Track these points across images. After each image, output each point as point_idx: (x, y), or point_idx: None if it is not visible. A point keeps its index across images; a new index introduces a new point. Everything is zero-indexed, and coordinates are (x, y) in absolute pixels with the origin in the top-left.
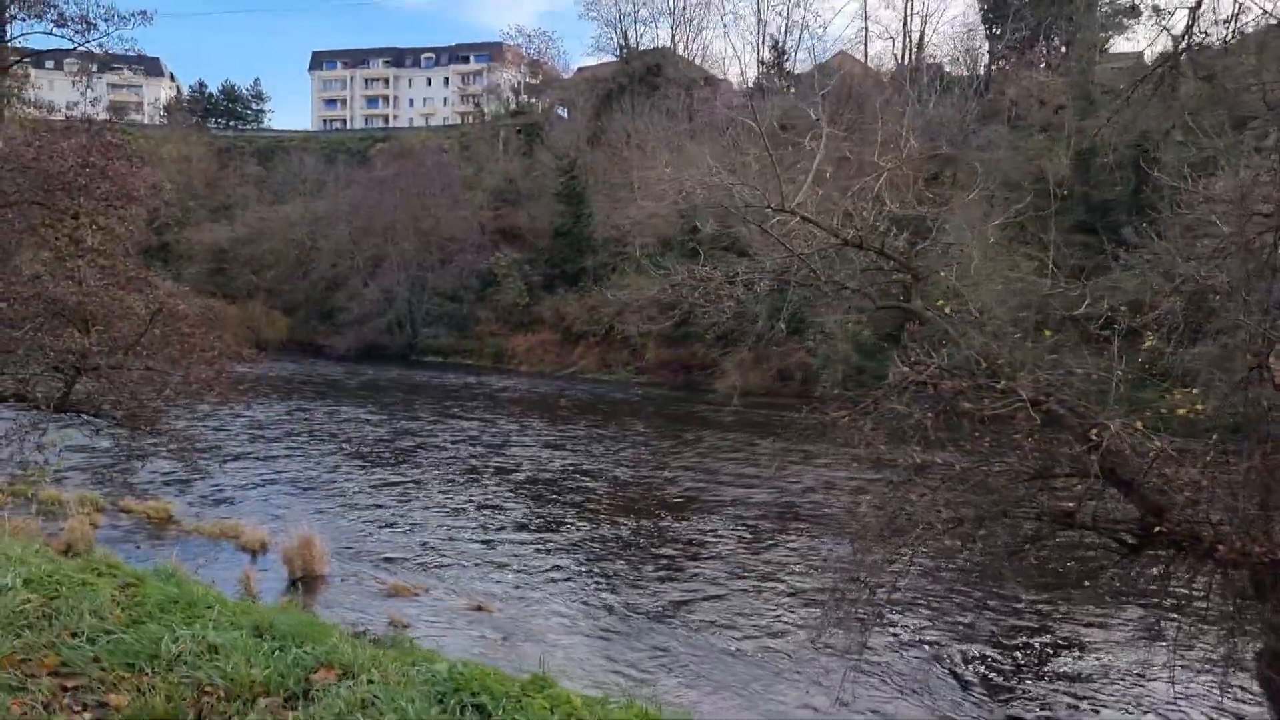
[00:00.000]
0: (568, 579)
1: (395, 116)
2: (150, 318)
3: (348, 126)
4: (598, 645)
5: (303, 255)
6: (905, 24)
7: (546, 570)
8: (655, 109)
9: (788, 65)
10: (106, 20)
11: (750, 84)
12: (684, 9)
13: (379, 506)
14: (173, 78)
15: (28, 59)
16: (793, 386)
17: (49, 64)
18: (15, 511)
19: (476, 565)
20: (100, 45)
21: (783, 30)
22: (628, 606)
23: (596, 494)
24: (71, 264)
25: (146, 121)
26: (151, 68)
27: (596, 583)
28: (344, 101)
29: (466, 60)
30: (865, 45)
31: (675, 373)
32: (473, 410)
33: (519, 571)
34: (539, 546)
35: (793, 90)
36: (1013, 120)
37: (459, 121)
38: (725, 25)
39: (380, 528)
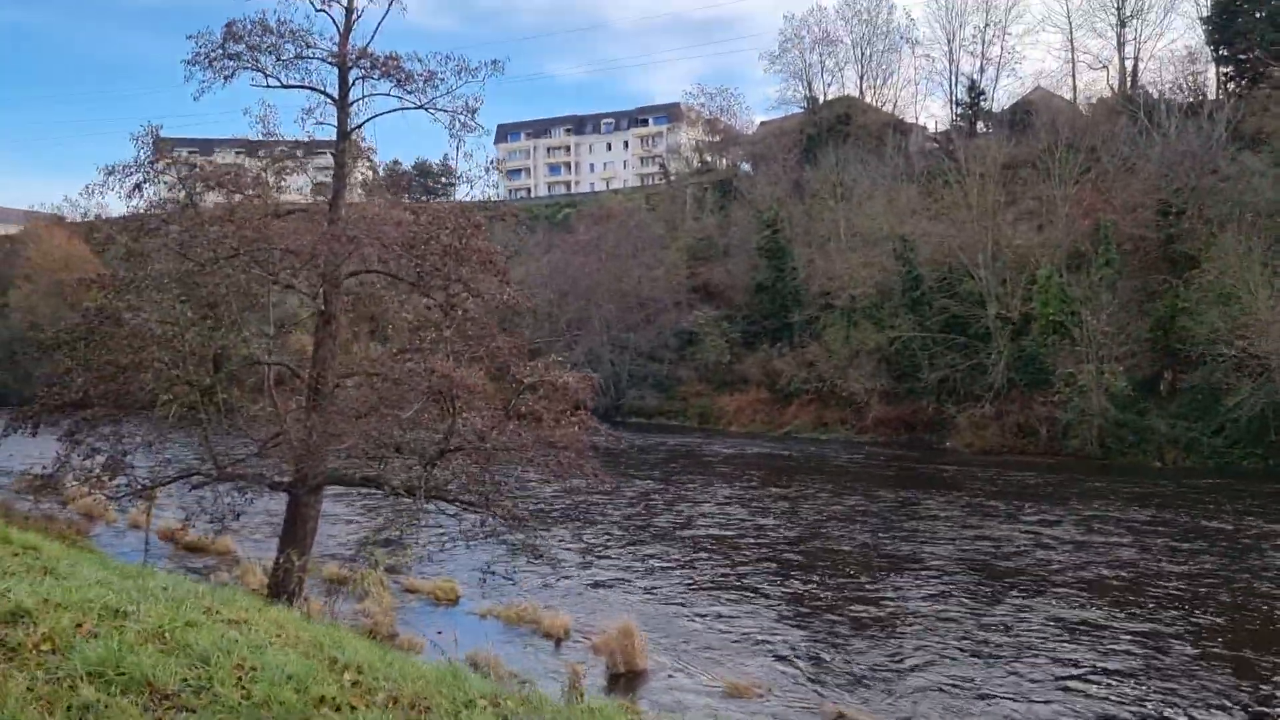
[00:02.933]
0: (929, 675)
1: (577, 182)
2: (519, 392)
3: (531, 195)
4: None
5: (505, 320)
6: (1120, 51)
7: (889, 661)
8: (848, 158)
9: (985, 104)
10: (457, 73)
11: (949, 125)
12: (870, 55)
13: (664, 587)
14: (369, 158)
15: (358, 126)
16: (1037, 444)
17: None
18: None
19: (808, 657)
20: (444, 105)
21: (978, 69)
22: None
23: (921, 576)
24: (430, 334)
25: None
26: (351, 149)
27: (962, 679)
28: (528, 170)
29: (645, 123)
30: (1073, 77)
31: (897, 430)
32: (716, 476)
33: (859, 663)
34: (870, 630)
35: (990, 130)
36: (1259, 145)
37: (639, 183)
38: (915, 69)
39: (677, 612)
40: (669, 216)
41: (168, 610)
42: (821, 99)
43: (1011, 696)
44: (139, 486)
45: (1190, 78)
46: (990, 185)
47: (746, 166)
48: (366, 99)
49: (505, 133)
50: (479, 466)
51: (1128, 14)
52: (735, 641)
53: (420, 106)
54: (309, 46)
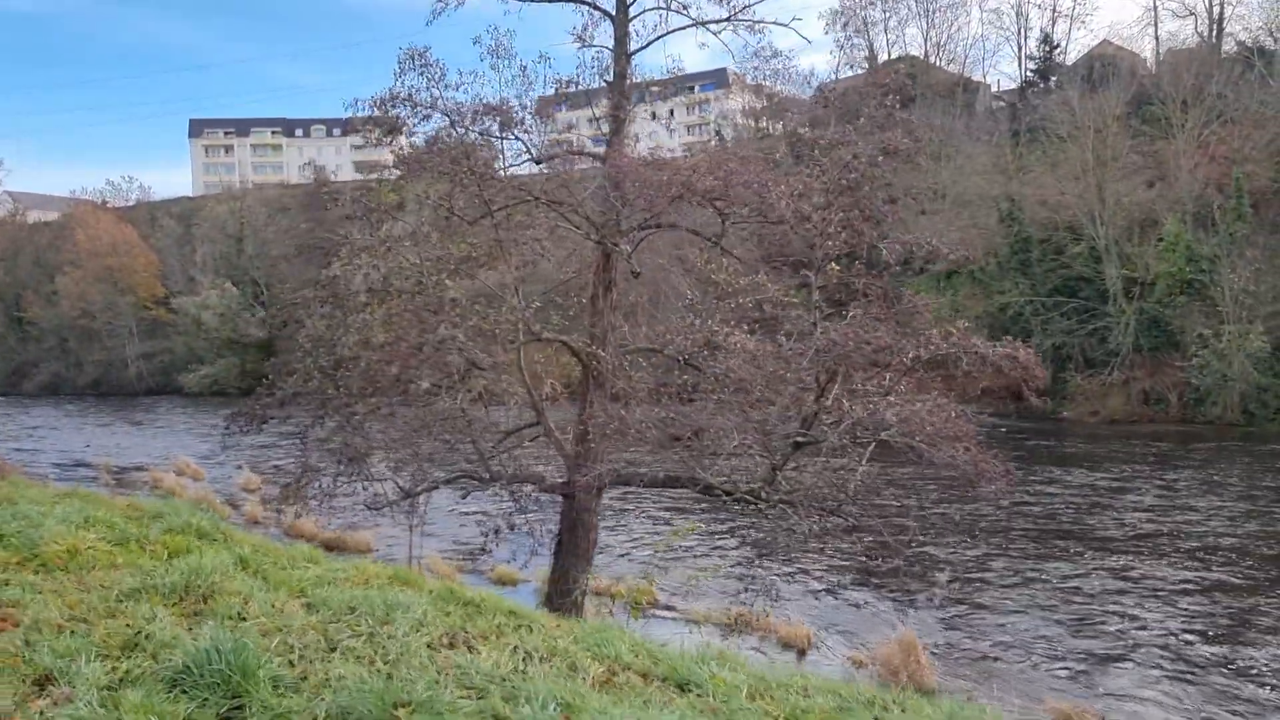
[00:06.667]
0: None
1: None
2: (912, 365)
3: (575, 167)
4: None
5: (579, 293)
6: None
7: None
8: (940, 119)
9: (1058, 58)
10: None
11: (1020, 82)
12: (933, 12)
13: (888, 588)
14: (407, 134)
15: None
16: (1168, 411)
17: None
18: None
19: (1143, 677)
20: (738, 24)
21: (1050, 22)
22: None
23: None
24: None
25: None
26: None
27: None
28: (569, 144)
29: (692, 90)
30: (1155, 26)
31: (1002, 399)
32: None
33: (1226, 690)
34: (1210, 645)
35: (1059, 85)
36: None
37: (688, 154)
38: (982, 25)
39: (928, 618)
40: None
41: None
42: (882, 58)
43: None
44: (401, 493)
45: None
46: (1107, 140)
47: (804, 131)
48: (659, 12)
49: (546, 104)
50: (831, 463)
51: None
52: (1020, 654)
53: (720, 20)
54: None
